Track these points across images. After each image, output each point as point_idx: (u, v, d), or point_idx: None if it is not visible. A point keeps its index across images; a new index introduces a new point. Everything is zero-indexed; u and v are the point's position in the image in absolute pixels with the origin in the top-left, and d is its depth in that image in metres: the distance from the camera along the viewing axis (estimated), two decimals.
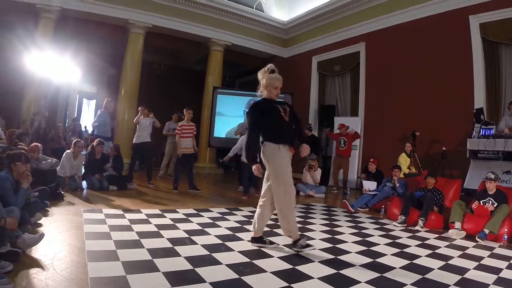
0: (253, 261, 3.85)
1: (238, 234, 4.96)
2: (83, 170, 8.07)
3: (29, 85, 11.26)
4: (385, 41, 11.70)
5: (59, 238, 4.01)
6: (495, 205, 5.90)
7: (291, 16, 15.31)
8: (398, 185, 7.69)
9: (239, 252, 4.12)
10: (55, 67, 11.12)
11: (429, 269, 3.94)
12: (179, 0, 13.06)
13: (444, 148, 8.98)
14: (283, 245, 4.51)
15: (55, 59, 10.97)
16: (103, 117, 9.44)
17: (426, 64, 10.39)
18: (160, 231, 4.75)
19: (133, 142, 9.38)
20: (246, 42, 15.03)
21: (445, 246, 5.07)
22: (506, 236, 5.39)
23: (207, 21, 13.81)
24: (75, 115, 18.57)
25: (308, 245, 4.29)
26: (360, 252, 4.46)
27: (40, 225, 4.55)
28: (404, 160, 9.18)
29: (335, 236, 5.26)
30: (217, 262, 3.70)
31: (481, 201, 6.11)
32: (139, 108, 9.52)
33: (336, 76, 13.76)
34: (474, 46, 9.38)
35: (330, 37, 13.79)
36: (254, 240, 4.49)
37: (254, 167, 4.37)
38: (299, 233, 4.44)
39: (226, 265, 3.63)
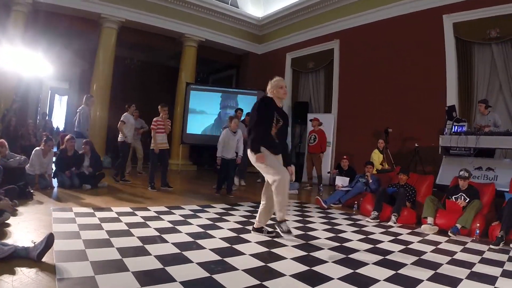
0: (224, 258, 3.73)
1: (210, 232, 4.82)
2: (54, 168, 7.79)
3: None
4: (359, 38, 11.74)
5: (27, 238, 3.81)
6: (467, 201, 5.95)
7: (266, 13, 15.22)
8: (371, 181, 7.69)
9: (211, 250, 3.98)
10: (26, 61, 10.69)
11: (402, 264, 3.90)
12: None
13: (416, 145, 9.03)
14: (255, 242, 4.46)
15: (27, 53, 10.55)
16: (86, 113, 9.09)
17: (399, 62, 10.47)
18: (131, 229, 4.56)
19: (122, 140, 9.06)
20: (220, 38, 14.85)
21: (418, 242, 5.07)
22: (478, 231, 5.43)
23: (180, 16, 13.58)
24: (47, 111, 18.09)
25: (289, 231, 4.55)
26: (333, 248, 4.39)
27: (8, 225, 4.29)
28: (376, 156, 9.18)
29: (308, 233, 5.17)
30: (188, 261, 3.55)
31: (453, 197, 6.15)
32: (132, 107, 9.40)
33: (310, 73, 13.77)
34: (447, 45, 9.52)
35: (304, 34, 13.77)
36: (254, 229, 4.96)
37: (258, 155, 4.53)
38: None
39: (197, 263, 3.49)
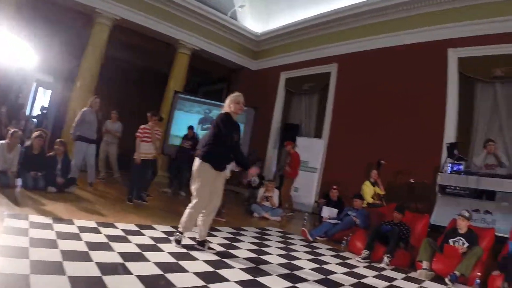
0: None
1: (183, 263, 4.08)
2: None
3: None
4: (358, 64, 11.44)
5: None
6: (465, 245, 5.56)
7: (265, 29, 14.90)
8: (359, 222, 7.22)
9: None
10: (12, 50, 10.09)
11: None
12: None
13: (412, 180, 8.70)
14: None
15: (14, 42, 9.95)
16: (83, 116, 8.30)
17: (398, 92, 10.18)
18: (90, 251, 3.82)
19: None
20: (215, 49, 14.42)
21: None
22: (478, 281, 5.01)
23: (177, 22, 13.12)
24: (25, 102, 17.28)
25: (179, 242, 4.76)
26: None
27: None
28: (368, 189, 8.76)
29: (294, 272, 4.57)
30: None
31: (450, 240, 5.75)
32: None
33: (303, 95, 13.37)
34: (450, 79, 9.29)
35: (302, 55, 13.45)
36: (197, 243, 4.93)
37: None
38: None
39: None
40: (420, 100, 9.65)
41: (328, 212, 7.85)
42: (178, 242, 4.71)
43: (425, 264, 5.42)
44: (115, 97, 13.45)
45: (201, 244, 4.83)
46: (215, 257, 4.50)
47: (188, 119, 12.67)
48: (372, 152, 9.98)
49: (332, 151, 11.62)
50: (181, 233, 4.76)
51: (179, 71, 13.75)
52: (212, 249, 4.81)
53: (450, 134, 9.06)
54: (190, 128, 10.41)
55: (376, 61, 10.94)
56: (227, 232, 6.24)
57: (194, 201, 4.68)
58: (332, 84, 12.18)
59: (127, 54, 16.29)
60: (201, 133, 11.97)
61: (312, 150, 11.24)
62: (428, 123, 9.38)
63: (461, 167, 7.61)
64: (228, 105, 4.86)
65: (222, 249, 5.01)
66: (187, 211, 4.72)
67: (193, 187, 4.71)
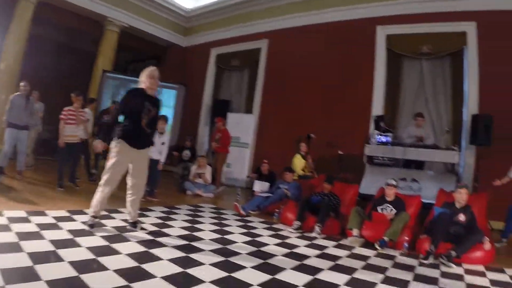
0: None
1: (115, 246, 3.88)
2: None
3: None
4: (289, 40, 11.42)
5: None
6: (393, 212, 5.75)
7: (196, 4, 14.40)
8: (290, 195, 7.26)
9: (115, 271, 3.14)
10: None
11: (336, 286, 3.46)
12: None
13: (340, 152, 8.84)
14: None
15: None
16: (16, 101, 7.71)
17: (328, 68, 10.32)
18: (21, 242, 3.53)
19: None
20: (144, 26, 13.71)
21: (347, 256, 4.67)
22: (406, 244, 5.19)
23: None
24: None
25: (92, 226, 4.43)
26: (256, 267, 3.76)
27: None
28: (298, 162, 8.81)
29: (227, 246, 4.48)
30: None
31: (378, 208, 5.92)
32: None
33: (234, 71, 13.22)
34: (378, 55, 9.61)
35: (232, 31, 13.20)
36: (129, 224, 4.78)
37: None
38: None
39: None
40: (349, 75, 9.86)
41: (259, 186, 7.84)
42: (91, 226, 4.40)
43: (355, 232, 5.53)
44: (41, 78, 12.56)
45: (134, 225, 4.68)
46: (148, 237, 4.37)
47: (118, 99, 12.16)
48: (302, 126, 10.05)
49: (263, 126, 11.63)
50: (95, 216, 4.50)
51: (107, 49, 12.97)
52: (145, 229, 4.65)
53: (378, 107, 9.38)
54: (114, 103, 9.75)
55: (307, 37, 10.96)
56: (160, 212, 6.03)
57: (103, 177, 4.48)
58: (263, 60, 12.11)
59: (53, 33, 15.22)
60: None
61: (243, 126, 11.17)
62: (357, 97, 9.62)
63: (389, 138, 7.83)
64: (143, 80, 4.62)
65: (155, 228, 4.83)
66: (97, 192, 4.50)
67: (106, 166, 4.52)
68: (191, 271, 3.35)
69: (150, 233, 4.58)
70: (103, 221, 4.67)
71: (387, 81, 9.50)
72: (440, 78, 9.08)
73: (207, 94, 13.64)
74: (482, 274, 4.43)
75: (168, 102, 12.55)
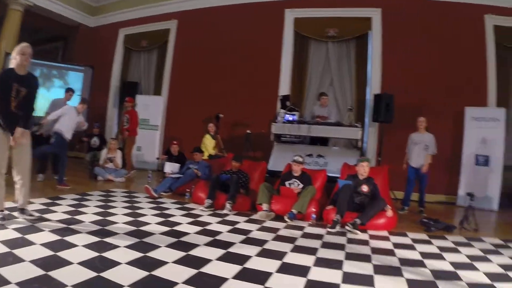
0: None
1: (29, 237, 3.63)
2: None
3: None
4: (198, 21, 11.20)
5: None
6: (300, 186, 5.94)
7: None
8: (200, 175, 7.25)
9: (31, 262, 2.94)
10: None
11: (247, 257, 3.51)
12: None
13: (248, 131, 8.95)
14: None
15: None
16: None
17: (236, 49, 10.33)
18: None
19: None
20: (50, 5, 12.39)
21: (258, 230, 4.76)
22: (314, 215, 5.45)
23: None
24: None
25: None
26: (171, 246, 3.72)
27: None
28: (208, 142, 8.80)
29: (141, 228, 4.35)
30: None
31: (287, 183, 6.10)
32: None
33: (142, 52, 12.69)
34: (285, 37, 9.86)
35: (141, 10, 12.56)
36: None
37: None
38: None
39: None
40: (258, 56, 9.97)
41: (170, 167, 7.70)
42: (2, 219, 4.05)
43: (265, 206, 5.64)
44: None
45: (22, 212, 4.33)
46: (62, 225, 4.13)
47: None
48: (211, 106, 10.03)
49: (172, 107, 11.37)
50: (1, 210, 4.14)
51: (10, 30, 11.64)
52: (32, 215, 4.32)
53: (284, 87, 9.62)
54: None
55: (216, 18, 10.86)
56: (72, 199, 5.65)
57: None
58: (172, 41, 11.78)
59: None
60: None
61: (152, 108, 10.84)
62: (265, 78, 9.79)
63: (295, 117, 8.01)
64: (13, 57, 4.23)
65: (67, 216, 4.54)
66: None
67: None
68: (107, 254, 3.26)
69: (63, 221, 4.32)
70: (14, 213, 4.30)
71: (294, 63, 9.78)
72: (345, 60, 9.55)
73: (115, 76, 12.95)
74: (386, 239, 4.74)
75: (75, 85, 11.91)
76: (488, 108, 8.35)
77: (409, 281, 3.18)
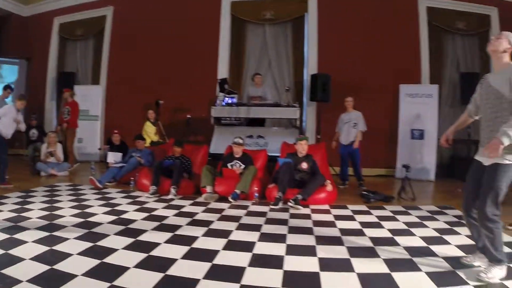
0: None
1: None
2: None
3: None
4: (134, 7, 10.91)
5: None
6: (242, 167, 6.10)
7: None
8: (143, 162, 7.24)
9: None
10: None
11: (194, 238, 3.65)
12: None
13: (188, 116, 8.99)
14: None
15: None
16: None
17: (174, 34, 10.21)
18: None
19: None
20: None
21: (203, 212, 4.89)
22: (257, 194, 5.66)
23: None
24: None
25: None
26: (119, 234, 3.77)
27: None
28: (149, 129, 8.73)
29: (89, 219, 4.34)
30: None
31: (229, 164, 6.24)
32: None
33: (78, 41, 12.13)
34: (223, 20, 9.91)
35: None
36: None
37: None
38: None
39: None
40: (196, 41, 9.93)
41: (113, 157, 7.60)
42: None
43: (208, 189, 5.74)
44: None
45: None
46: (9, 224, 4.04)
47: None
48: (151, 93, 9.90)
49: (111, 96, 11.04)
50: None
51: None
52: None
53: (223, 70, 9.71)
54: None
55: (153, 4, 10.66)
56: (16, 197, 5.47)
57: None
58: (108, 28, 11.36)
59: None
60: None
61: (91, 98, 10.55)
62: (203, 62, 9.80)
63: (234, 100, 8.12)
64: None
65: (14, 214, 4.43)
66: None
67: None
68: (58, 247, 3.27)
69: (10, 219, 4.20)
70: None
71: (232, 46, 9.86)
72: (283, 42, 9.76)
73: (52, 67, 12.37)
74: (327, 212, 5.04)
75: (10, 78, 11.43)
76: (421, 85, 8.91)
77: (349, 249, 3.44)
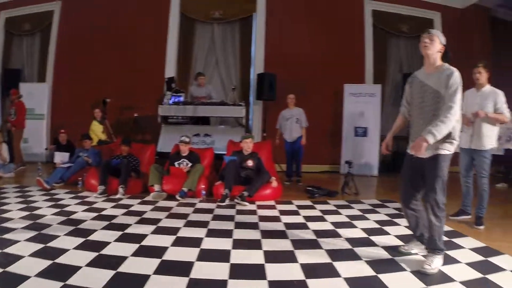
0: None
1: None
2: None
3: None
4: (82, 2, 10.62)
5: None
6: (189, 165, 6.22)
7: None
8: (91, 162, 7.21)
9: None
10: None
11: (143, 236, 3.77)
12: None
13: (136, 115, 9.04)
14: None
15: None
16: None
17: (122, 32, 10.08)
18: None
19: None
20: None
21: (151, 210, 4.99)
22: (204, 192, 5.80)
23: None
24: None
25: None
26: (69, 234, 3.79)
27: None
28: (97, 128, 8.67)
29: (38, 221, 4.29)
30: None
31: (176, 163, 6.33)
32: None
33: (24, 36, 11.61)
34: (171, 19, 9.92)
35: None
36: None
37: None
38: None
39: None
40: (144, 39, 9.90)
41: (60, 157, 7.49)
42: None
43: (156, 187, 5.83)
44: None
45: None
46: None
47: None
48: (99, 91, 9.74)
49: (58, 94, 10.63)
50: None
51: None
52: None
53: (170, 69, 9.74)
54: None
55: (101, 0, 10.47)
56: None
57: None
58: (55, 24, 10.94)
59: None
60: None
61: (37, 96, 10.21)
62: (151, 61, 9.78)
63: (181, 98, 8.20)
64: None
65: None
66: None
67: None
68: (9, 250, 3.27)
69: None
70: None
71: (180, 45, 9.91)
72: (230, 41, 9.94)
73: None
74: (272, 207, 5.29)
75: None
76: (365, 85, 9.43)
77: (293, 241, 3.70)
